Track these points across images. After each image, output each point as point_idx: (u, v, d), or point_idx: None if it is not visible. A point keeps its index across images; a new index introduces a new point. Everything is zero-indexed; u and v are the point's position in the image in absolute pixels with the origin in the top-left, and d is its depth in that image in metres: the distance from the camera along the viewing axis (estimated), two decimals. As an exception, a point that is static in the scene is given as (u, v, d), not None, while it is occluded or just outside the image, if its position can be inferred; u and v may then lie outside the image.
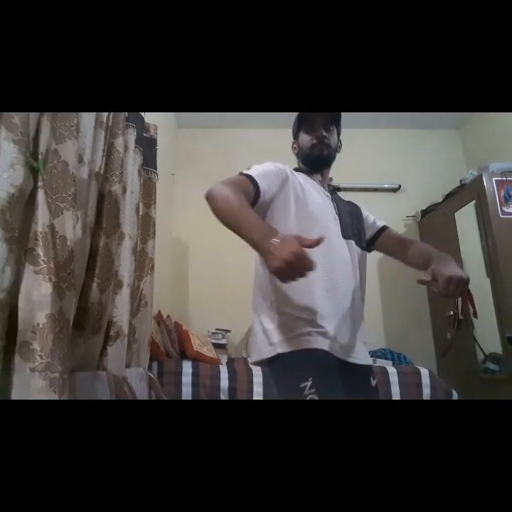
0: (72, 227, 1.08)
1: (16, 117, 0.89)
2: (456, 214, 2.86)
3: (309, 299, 1.04)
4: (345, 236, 1.14)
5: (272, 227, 0.87)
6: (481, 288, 2.57)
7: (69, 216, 1.07)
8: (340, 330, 1.05)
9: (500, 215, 2.48)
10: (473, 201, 2.66)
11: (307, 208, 1.10)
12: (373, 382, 1.16)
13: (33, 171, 0.96)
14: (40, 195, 0.96)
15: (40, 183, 0.97)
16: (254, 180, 1.03)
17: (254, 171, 1.06)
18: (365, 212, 1.32)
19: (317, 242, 0.80)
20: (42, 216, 0.96)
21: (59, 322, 0.95)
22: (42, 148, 0.98)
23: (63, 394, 0.93)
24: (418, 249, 1.19)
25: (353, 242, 1.15)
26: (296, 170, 1.24)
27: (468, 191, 2.73)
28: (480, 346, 2.59)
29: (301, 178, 1.18)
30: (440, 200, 3.16)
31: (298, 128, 1.29)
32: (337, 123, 1.24)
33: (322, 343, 1.01)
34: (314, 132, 1.20)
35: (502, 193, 2.51)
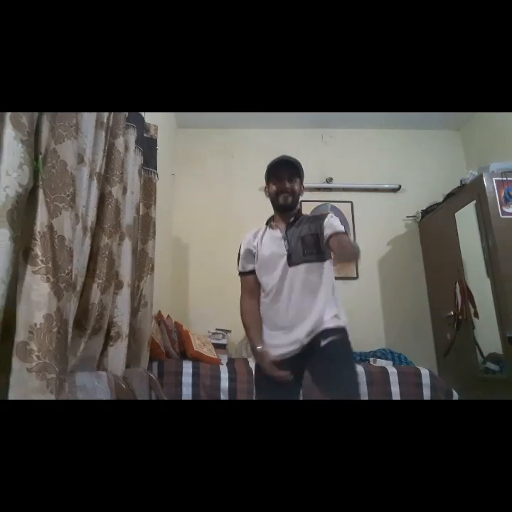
0: (70, 227, 1.07)
1: (24, 117, 0.88)
2: (456, 214, 2.86)
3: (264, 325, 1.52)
4: (292, 264, 1.45)
5: (257, 336, 1.49)
6: (481, 288, 2.57)
7: (67, 216, 1.06)
8: (284, 335, 1.43)
9: (501, 215, 2.47)
10: (474, 201, 2.66)
11: (261, 258, 1.54)
12: (322, 343, 1.37)
13: (32, 171, 0.96)
14: (40, 194, 0.96)
15: (39, 183, 0.96)
16: (241, 272, 1.61)
17: (239, 264, 1.61)
18: (326, 223, 1.46)
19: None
20: (41, 216, 0.95)
21: (56, 322, 0.94)
22: (41, 147, 0.98)
23: (60, 394, 0.92)
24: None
25: (301, 266, 1.44)
26: (267, 221, 1.63)
27: (469, 191, 2.72)
28: (479, 348, 2.59)
29: (263, 233, 1.59)
30: (440, 200, 3.15)
31: (267, 178, 1.58)
32: (299, 174, 1.54)
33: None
34: (280, 184, 1.51)
35: (502, 193, 2.51)
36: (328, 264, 1.49)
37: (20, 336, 0.88)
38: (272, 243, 1.52)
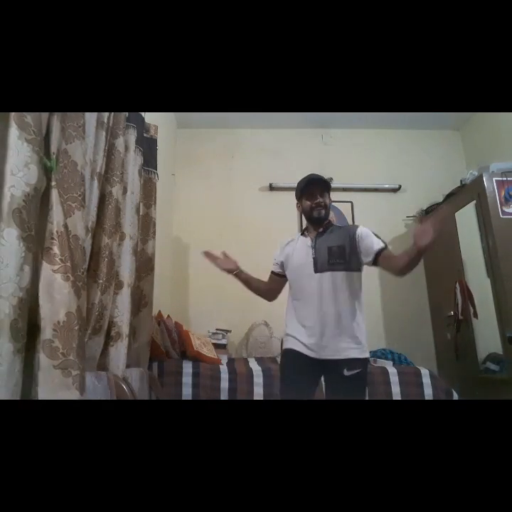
0: (83, 227, 1.08)
1: (29, 116, 0.88)
2: (456, 214, 2.86)
3: (289, 317, 1.69)
4: (318, 271, 1.59)
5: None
6: (481, 288, 2.57)
7: (80, 216, 1.07)
8: (310, 337, 1.56)
9: (501, 215, 2.47)
10: (474, 201, 2.66)
11: (292, 263, 1.71)
12: (347, 373, 1.50)
13: (46, 171, 0.96)
14: (54, 194, 0.97)
15: (53, 183, 0.97)
16: (272, 271, 1.83)
17: (273, 263, 1.83)
18: (362, 236, 1.59)
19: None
20: (57, 215, 0.96)
21: (78, 320, 0.96)
22: (53, 147, 0.98)
23: (84, 391, 0.94)
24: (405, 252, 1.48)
25: (327, 273, 1.58)
26: (303, 231, 1.78)
27: (469, 191, 2.72)
28: (477, 348, 2.59)
29: (294, 241, 1.76)
30: (440, 200, 3.15)
31: (301, 194, 1.71)
32: (328, 189, 1.70)
33: (293, 345, 1.60)
34: (313, 199, 1.66)
35: (502, 193, 2.51)
36: (355, 276, 1.60)
37: (46, 333, 0.90)
38: (302, 251, 1.68)
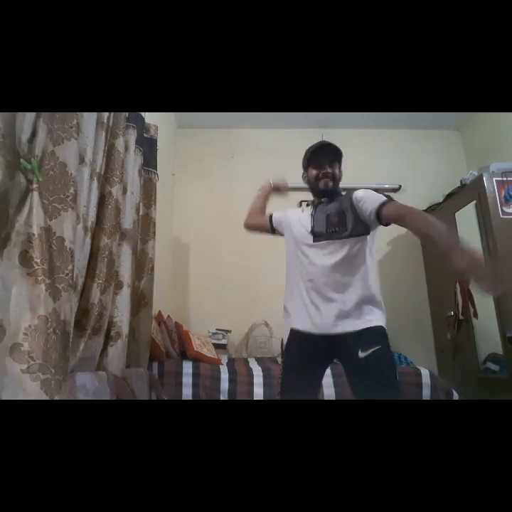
0: (70, 228, 1.07)
1: None
2: (456, 214, 2.86)
3: (287, 294, 1.53)
4: (315, 240, 1.45)
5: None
6: (481, 288, 2.57)
7: (67, 217, 1.06)
8: (309, 312, 1.40)
9: (501, 216, 2.47)
10: (474, 201, 2.66)
11: (291, 233, 1.56)
12: (361, 353, 1.31)
13: (27, 174, 0.94)
14: (35, 197, 0.95)
15: (34, 186, 0.95)
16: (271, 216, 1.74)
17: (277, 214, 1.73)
18: (359, 200, 1.43)
19: None
20: (37, 218, 0.94)
21: (52, 323, 0.93)
22: (37, 150, 0.97)
23: (55, 396, 0.91)
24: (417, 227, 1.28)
25: (325, 242, 1.43)
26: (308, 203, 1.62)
27: (469, 191, 2.72)
28: (477, 348, 2.59)
29: (294, 214, 1.62)
30: (441, 200, 3.15)
31: (308, 162, 1.54)
32: (340, 159, 1.52)
33: (290, 323, 1.46)
34: (321, 169, 1.49)
35: (502, 193, 2.51)
36: (355, 242, 1.41)
37: (14, 337, 0.87)
38: (305, 220, 1.53)
